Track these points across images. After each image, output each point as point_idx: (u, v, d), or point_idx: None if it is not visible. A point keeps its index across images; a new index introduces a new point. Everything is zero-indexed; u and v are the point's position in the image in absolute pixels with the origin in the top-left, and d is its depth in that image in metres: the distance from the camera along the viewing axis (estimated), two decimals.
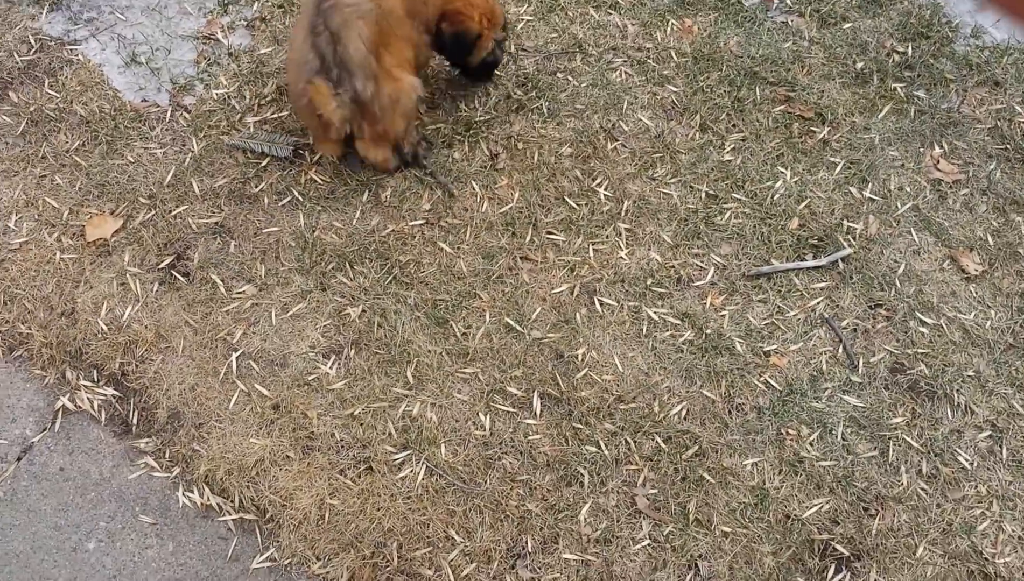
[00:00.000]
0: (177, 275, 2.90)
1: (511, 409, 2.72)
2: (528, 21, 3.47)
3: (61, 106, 3.20)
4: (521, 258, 2.98)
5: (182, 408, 2.70)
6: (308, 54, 2.77)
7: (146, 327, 2.80)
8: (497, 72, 3.31)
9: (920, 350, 2.85)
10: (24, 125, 3.15)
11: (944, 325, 2.89)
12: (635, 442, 2.68)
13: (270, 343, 2.79)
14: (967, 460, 2.68)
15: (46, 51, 3.33)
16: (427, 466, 2.62)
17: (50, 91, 3.23)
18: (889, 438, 2.70)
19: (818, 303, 2.92)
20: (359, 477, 2.60)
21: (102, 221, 2.97)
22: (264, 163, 3.12)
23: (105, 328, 2.80)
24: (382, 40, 2.80)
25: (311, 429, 2.66)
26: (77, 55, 3.33)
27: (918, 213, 3.10)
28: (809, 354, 2.84)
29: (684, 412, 2.74)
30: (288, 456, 2.62)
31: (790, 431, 2.71)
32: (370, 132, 2.93)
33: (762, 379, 2.80)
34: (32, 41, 3.34)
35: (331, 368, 2.76)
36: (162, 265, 2.91)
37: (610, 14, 3.51)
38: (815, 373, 2.81)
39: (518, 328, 2.85)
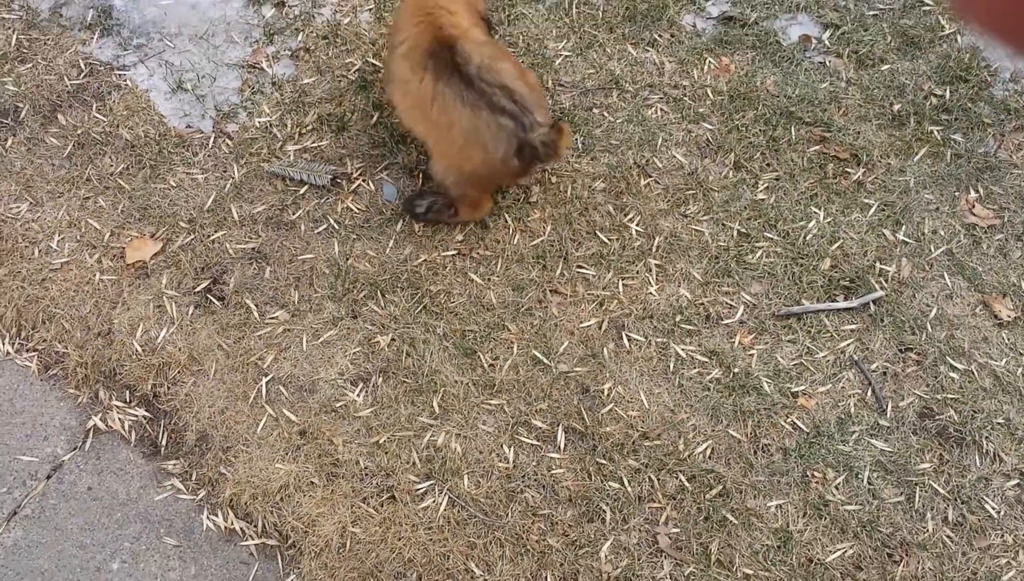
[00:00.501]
0: (213, 299, 2.96)
1: (535, 442, 2.73)
2: (566, 57, 3.51)
3: (108, 130, 3.29)
4: (551, 291, 3.00)
5: (211, 431, 2.74)
6: (499, 119, 2.70)
7: (179, 349, 2.86)
8: None
9: (950, 395, 2.81)
10: (71, 147, 3.24)
11: (975, 371, 2.86)
12: (659, 480, 2.68)
13: (300, 369, 2.84)
14: (994, 508, 2.64)
15: (95, 75, 3.43)
16: (449, 497, 2.64)
17: (98, 115, 3.32)
18: (916, 484, 2.67)
19: (848, 345, 2.90)
20: (382, 506, 2.63)
21: (142, 244, 3.05)
22: (302, 191, 3.17)
23: (140, 349, 2.86)
24: (514, 67, 2.81)
25: (336, 456, 2.69)
26: (125, 80, 3.42)
27: (951, 257, 3.07)
28: (837, 396, 2.82)
29: (709, 451, 2.73)
30: (312, 482, 2.65)
31: (816, 474, 2.69)
32: None
33: (789, 420, 2.78)
34: (82, 65, 3.43)
35: (358, 396, 2.79)
36: (198, 289, 2.97)
37: (648, 51, 3.53)
38: (843, 416, 2.79)
39: (545, 361, 2.86)
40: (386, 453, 2.70)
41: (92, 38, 3.51)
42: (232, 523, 2.60)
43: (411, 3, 2.92)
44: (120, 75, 3.44)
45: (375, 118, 3.30)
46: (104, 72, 3.44)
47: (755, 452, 2.73)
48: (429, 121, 2.82)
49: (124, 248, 3.03)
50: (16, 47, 3.43)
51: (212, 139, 3.29)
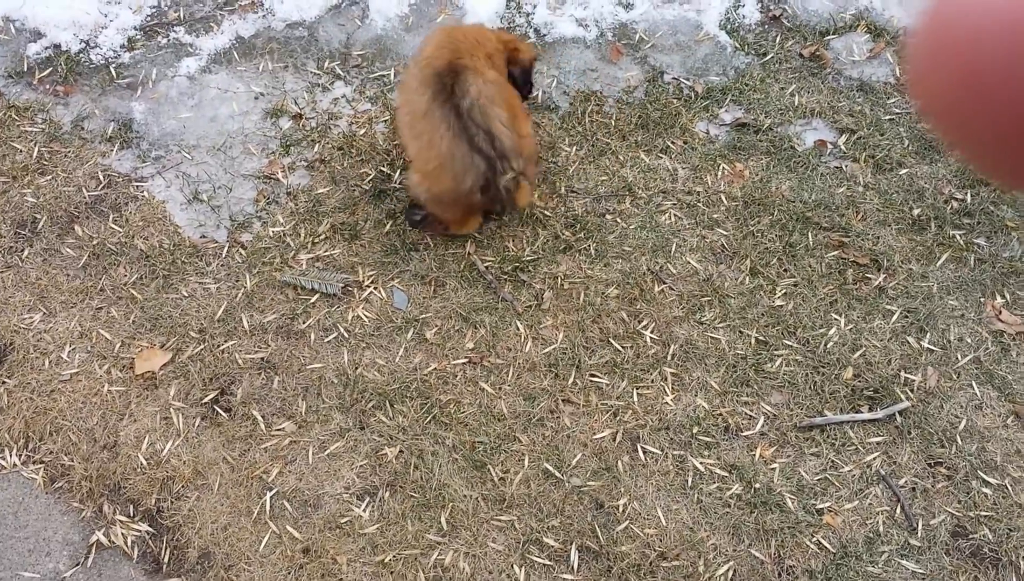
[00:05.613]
0: (219, 410, 2.91)
1: (547, 562, 2.62)
2: (579, 164, 3.51)
3: (123, 240, 3.30)
4: (563, 401, 2.93)
5: (213, 548, 2.66)
6: (474, 157, 2.92)
7: (184, 463, 2.80)
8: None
9: (983, 512, 2.68)
10: (86, 258, 3.25)
11: (1009, 486, 2.72)
12: None
13: (305, 483, 2.76)
14: None
15: (113, 186, 3.47)
16: None
17: (114, 226, 3.34)
18: None
19: (874, 459, 2.79)
20: None
21: (152, 354, 3.02)
22: (313, 299, 3.15)
23: (145, 463, 2.80)
24: (511, 112, 3.00)
25: (340, 576, 2.59)
26: (142, 191, 3.46)
27: (979, 366, 2.97)
28: (865, 513, 2.70)
29: (731, 573, 2.60)
30: None
31: None
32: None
33: (814, 539, 2.65)
34: (101, 177, 3.48)
35: (364, 511, 2.70)
36: (205, 400, 2.93)
37: (660, 158, 3.53)
38: (871, 534, 2.66)
39: (557, 475, 2.77)
40: (392, 573, 2.60)
41: (112, 150, 3.56)
42: None
43: (447, 31, 3.17)
44: (137, 186, 3.47)
45: (388, 226, 3.30)
46: (122, 183, 3.48)
47: (780, 574, 2.60)
48: (415, 133, 3.04)
49: (134, 358, 3.01)
50: (37, 159, 3.49)
51: (226, 249, 3.30)
